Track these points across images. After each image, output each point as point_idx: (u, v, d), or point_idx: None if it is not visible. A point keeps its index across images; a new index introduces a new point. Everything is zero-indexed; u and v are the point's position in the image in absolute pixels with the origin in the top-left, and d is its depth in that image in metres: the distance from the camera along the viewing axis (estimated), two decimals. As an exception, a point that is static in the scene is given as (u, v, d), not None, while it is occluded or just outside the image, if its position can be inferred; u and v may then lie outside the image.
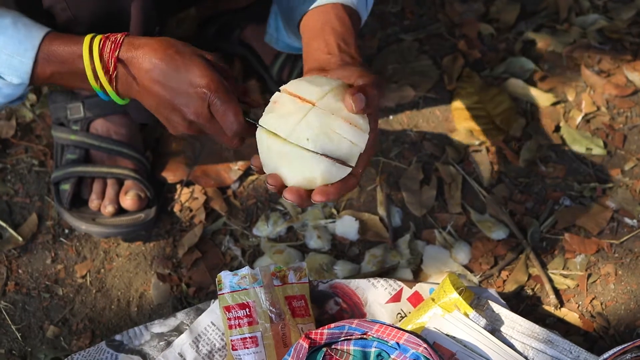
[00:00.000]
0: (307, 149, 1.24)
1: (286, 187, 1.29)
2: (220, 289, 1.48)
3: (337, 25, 1.45)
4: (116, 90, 1.38)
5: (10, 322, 1.66)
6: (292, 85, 1.30)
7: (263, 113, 1.32)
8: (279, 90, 1.33)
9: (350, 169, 1.27)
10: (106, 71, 1.36)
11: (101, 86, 1.38)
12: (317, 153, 1.24)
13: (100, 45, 1.36)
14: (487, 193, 1.83)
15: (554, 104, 1.99)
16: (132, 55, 1.35)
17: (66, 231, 1.78)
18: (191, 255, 1.74)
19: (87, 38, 1.36)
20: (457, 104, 1.99)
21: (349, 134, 1.26)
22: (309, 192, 1.28)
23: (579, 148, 1.91)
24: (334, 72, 1.36)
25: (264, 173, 1.32)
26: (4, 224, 1.78)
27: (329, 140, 1.24)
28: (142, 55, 1.35)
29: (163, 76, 1.35)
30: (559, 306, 1.66)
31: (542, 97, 1.99)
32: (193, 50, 1.37)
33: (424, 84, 2.02)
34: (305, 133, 1.24)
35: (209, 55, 1.38)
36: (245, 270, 1.48)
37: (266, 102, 1.32)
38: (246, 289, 1.47)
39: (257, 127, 1.31)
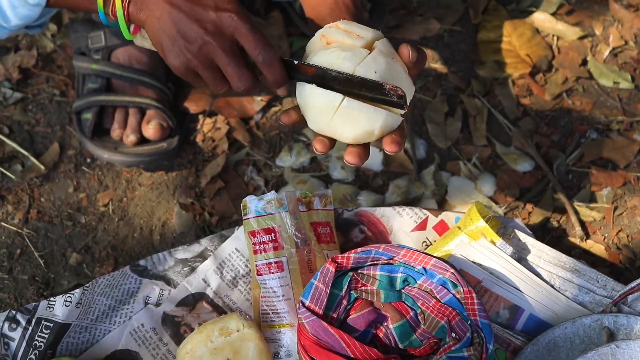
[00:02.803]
0: (367, 101, 1.22)
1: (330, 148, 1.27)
2: (246, 214, 1.47)
3: (349, 2, 1.45)
4: (127, 9, 1.29)
5: (33, 249, 1.65)
6: (342, 24, 1.29)
7: (306, 49, 1.29)
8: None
9: (402, 119, 1.26)
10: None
11: (112, 4, 1.29)
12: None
13: None
14: (512, 126, 1.81)
15: (581, 37, 1.96)
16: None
17: (88, 160, 1.77)
18: (214, 184, 1.73)
19: None
20: (483, 37, 1.96)
21: (406, 81, 1.25)
22: (365, 149, 1.27)
23: (606, 82, 1.88)
24: None
25: (301, 123, 1.30)
26: (26, 153, 1.77)
27: (392, 80, 1.22)
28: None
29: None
30: (585, 238, 1.65)
31: (569, 31, 1.96)
32: None
33: (450, 17, 1.99)
34: (373, 67, 1.22)
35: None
36: (271, 195, 1.46)
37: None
38: (272, 214, 1.45)
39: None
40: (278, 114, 1.83)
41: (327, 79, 1.24)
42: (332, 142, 1.28)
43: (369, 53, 1.23)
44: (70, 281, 1.61)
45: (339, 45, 1.24)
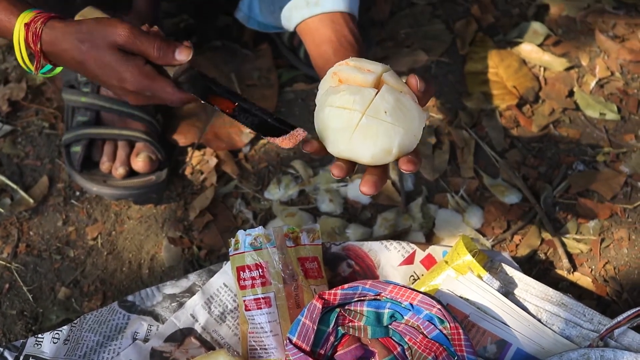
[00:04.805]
0: (386, 121, 1.23)
1: (349, 170, 1.28)
2: (237, 249, 1.47)
3: (352, 40, 1.50)
4: (53, 65, 1.40)
5: (21, 283, 1.65)
6: (352, 61, 1.30)
7: (319, 88, 1.31)
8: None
9: (418, 141, 1.27)
10: (31, 58, 1.38)
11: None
12: (396, 125, 1.23)
13: (24, 36, 1.36)
14: (500, 158, 1.82)
15: (568, 69, 1.97)
16: (54, 50, 1.37)
17: (77, 193, 1.77)
18: (202, 218, 1.73)
19: (17, 24, 1.36)
20: (470, 69, 1.97)
21: (416, 110, 1.25)
22: (382, 175, 1.27)
23: (592, 113, 1.89)
24: None
25: (321, 153, 1.30)
26: (14, 186, 1.77)
27: (402, 114, 1.24)
28: (62, 52, 1.36)
29: (90, 74, 1.38)
30: (572, 270, 1.66)
31: (555, 62, 1.98)
32: (104, 40, 1.35)
33: (437, 48, 2.01)
34: (382, 106, 1.23)
35: (121, 38, 1.35)
36: (259, 230, 1.47)
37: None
38: (259, 249, 1.46)
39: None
40: (267, 145, 1.84)
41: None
42: (350, 166, 1.28)
43: (377, 92, 1.24)
44: (59, 316, 1.61)
45: (348, 87, 1.25)
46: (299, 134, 1.26)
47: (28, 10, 1.35)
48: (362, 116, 1.23)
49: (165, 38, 1.37)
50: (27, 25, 1.34)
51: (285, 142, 1.26)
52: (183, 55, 1.36)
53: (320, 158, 1.81)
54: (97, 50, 1.34)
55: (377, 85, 1.26)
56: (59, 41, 1.35)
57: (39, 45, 1.35)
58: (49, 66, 1.40)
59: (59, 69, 1.41)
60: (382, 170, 1.27)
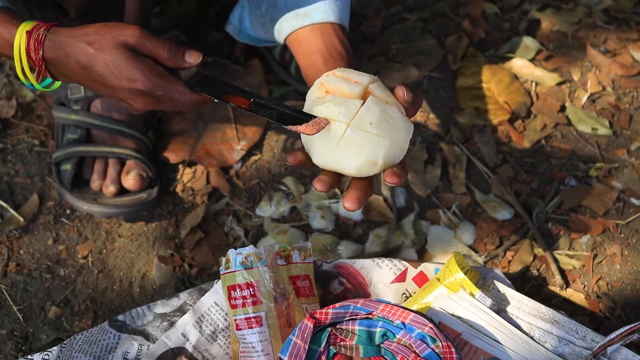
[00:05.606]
0: (372, 133, 1.22)
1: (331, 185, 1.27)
2: (227, 268, 1.46)
3: (342, 51, 1.50)
4: (53, 78, 1.37)
5: (11, 302, 1.64)
6: (339, 71, 1.30)
7: (307, 99, 1.30)
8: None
9: (404, 153, 1.26)
10: (32, 70, 1.35)
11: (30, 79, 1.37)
12: (381, 136, 1.22)
13: (25, 44, 1.33)
14: (491, 173, 1.81)
15: (559, 83, 1.97)
16: (57, 56, 1.33)
17: (67, 211, 1.77)
18: (193, 235, 1.73)
19: (18, 33, 1.33)
20: (462, 84, 1.97)
21: (402, 122, 1.25)
22: (366, 190, 1.26)
23: (584, 128, 1.89)
24: None
25: (306, 165, 1.29)
26: (4, 205, 1.76)
27: (388, 126, 1.23)
28: (66, 58, 1.33)
29: (96, 79, 1.34)
30: (565, 287, 1.65)
31: (547, 77, 1.98)
32: (113, 40, 1.32)
33: (428, 63, 2.01)
34: (368, 118, 1.22)
35: (131, 38, 1.32)
36: (250, 249, 1.46)
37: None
38: (250, 268, 1.45)
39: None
40: (258, 162, 1.83)
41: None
42: (334, 179, 1.27)
43: (363, 103, 1.23)
44: (49, 335, 1.60)
45: (333, 98, 1.25)
46: (322, 121, 1.23)
47: (29, 20, 1.34)
48: (347, 127, 1.22)
49: (174, 41, 1.36)
50: (29, 32, 1.32)
51: (308, 128, 1.23)
52: (193, 57, 1.34)
53: (311, 174, 1.81)
54: (107, 51, 1.31)
55: (364, 96, 1.26)
56: (63, 46, 1.32)
57: (41, 53, 1.32)
58: (49, 79, 1.38)
59: (58, 83, 1.39)
60: (366, 184, 1.26)
